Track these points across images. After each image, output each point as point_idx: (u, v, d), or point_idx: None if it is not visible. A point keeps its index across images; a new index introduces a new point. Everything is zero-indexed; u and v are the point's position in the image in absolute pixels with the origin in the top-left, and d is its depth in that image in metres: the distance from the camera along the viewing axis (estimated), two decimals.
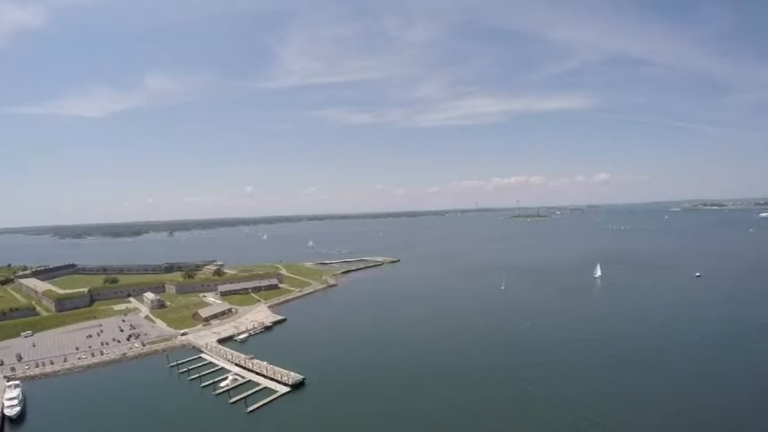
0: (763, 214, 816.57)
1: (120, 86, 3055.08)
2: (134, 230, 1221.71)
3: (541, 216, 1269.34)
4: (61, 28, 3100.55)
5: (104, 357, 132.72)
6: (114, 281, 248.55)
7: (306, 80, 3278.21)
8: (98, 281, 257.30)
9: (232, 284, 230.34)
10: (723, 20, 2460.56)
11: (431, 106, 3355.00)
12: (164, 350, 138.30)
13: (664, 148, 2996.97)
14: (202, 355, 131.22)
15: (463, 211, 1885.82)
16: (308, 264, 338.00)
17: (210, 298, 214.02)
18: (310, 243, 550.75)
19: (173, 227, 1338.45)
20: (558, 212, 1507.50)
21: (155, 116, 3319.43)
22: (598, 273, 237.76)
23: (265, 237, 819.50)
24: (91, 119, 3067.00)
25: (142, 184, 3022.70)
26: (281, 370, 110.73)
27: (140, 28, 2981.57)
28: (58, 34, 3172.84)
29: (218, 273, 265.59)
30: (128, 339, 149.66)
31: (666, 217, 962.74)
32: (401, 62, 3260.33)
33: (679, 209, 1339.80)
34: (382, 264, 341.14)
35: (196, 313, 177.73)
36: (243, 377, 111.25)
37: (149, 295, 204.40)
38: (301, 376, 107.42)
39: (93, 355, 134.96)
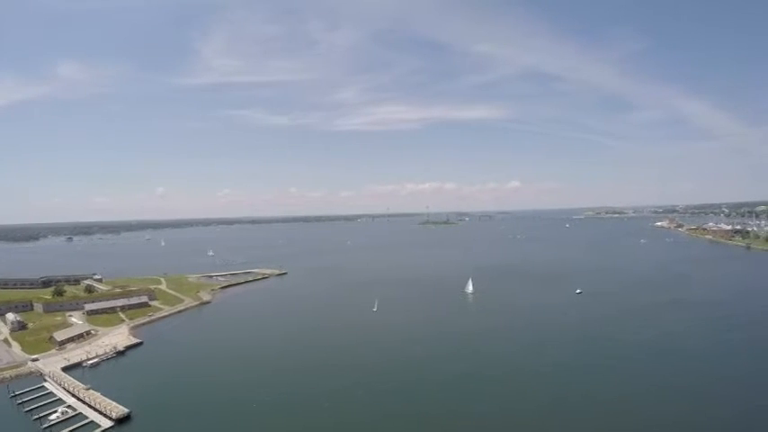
0: (658, 223, 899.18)
1: (27, 73, 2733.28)
2: (31, 234, 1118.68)
3: (450, 222, 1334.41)
4: None
5: None
6: None
7: (225, 78, 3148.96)
8: None
9: (100, 303, 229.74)
10: (631, 43, 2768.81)
11: (349, 110, 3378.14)
12: (11, 378, 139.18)
13: (571, 159, 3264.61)
14: (45, 384, 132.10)
15: (374, 217, 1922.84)
16: (193, 277, 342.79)
17: (74, 318, 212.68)
18: (210, 252, 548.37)
19: (75, 230, 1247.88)
20: (466, 219, 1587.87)
21: (63, 107, 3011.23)
22: (470, 289, 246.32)
23: (163, 243, 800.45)
24: None
25: (48, 181, 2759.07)
26: (110, 402, 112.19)
27: (52, 12, 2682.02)
28: None
29: (89, 290, 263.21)
30: None
31: (568, 225, 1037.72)
32: (322, 65, 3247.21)
33: (582, 216, 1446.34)
34: (269, 276, 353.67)
35: (51, 336, 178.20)
36: (74, 410, 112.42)
37: (10, 316, 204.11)
38: (127, 410, 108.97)
39: None
